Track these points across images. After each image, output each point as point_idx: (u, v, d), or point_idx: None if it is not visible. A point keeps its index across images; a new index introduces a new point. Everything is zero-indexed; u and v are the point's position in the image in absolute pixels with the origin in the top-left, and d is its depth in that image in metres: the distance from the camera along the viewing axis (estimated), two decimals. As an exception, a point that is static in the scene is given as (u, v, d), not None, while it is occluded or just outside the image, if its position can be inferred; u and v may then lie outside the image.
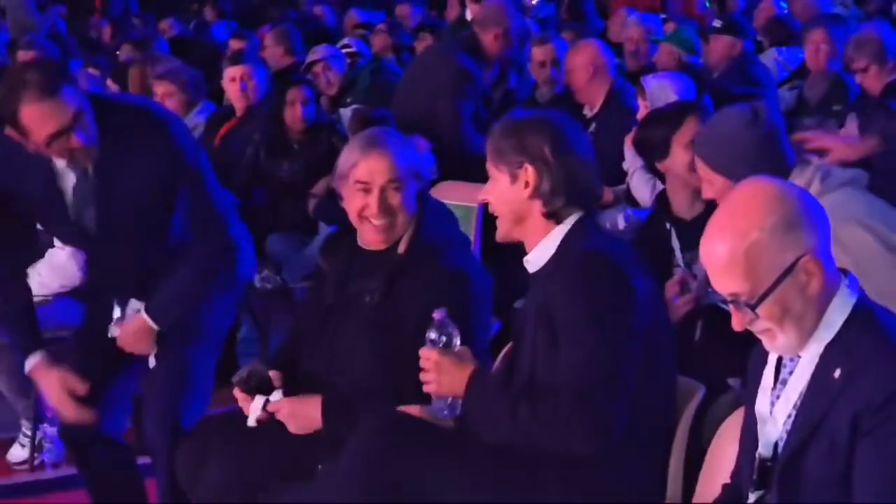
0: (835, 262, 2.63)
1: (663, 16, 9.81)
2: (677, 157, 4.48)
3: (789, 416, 2.66)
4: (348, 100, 7.96)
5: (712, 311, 4.22)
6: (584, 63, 6.74)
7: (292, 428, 3.82)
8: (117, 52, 10.12)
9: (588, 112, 6.76)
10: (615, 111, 6.48)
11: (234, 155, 6.73)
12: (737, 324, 2.62)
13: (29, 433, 5.55)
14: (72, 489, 5.40)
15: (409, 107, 6.84)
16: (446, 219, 4.04)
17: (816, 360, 2.60)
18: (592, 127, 6.62)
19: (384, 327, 3.74)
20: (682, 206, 4.47)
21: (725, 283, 2.59)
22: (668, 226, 4.46)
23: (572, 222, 3.39)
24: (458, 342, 3.41)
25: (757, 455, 2.73)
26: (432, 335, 3.40)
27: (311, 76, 8.00)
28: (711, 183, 3.91)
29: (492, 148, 3.46)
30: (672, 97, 5.67)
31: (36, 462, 5.57)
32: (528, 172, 3.38)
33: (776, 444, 2.69)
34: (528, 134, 3.41)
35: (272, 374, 3.89)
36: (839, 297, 2.59)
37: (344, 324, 3.91)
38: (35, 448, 5.55)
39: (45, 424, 5.57)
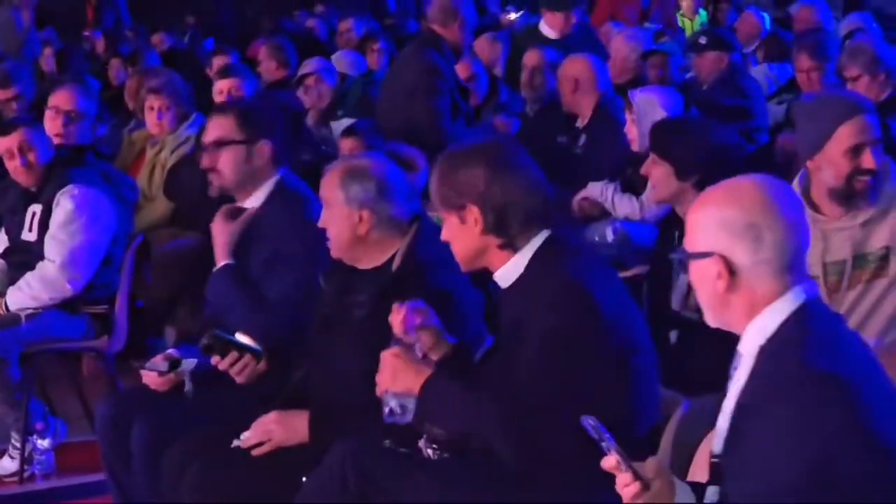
0: (789, 278, 2.73)
1: (654, 27, 9.87)
2: None
3: (731, 411, 2.78)
4: (339, 113, 8.00)
5: (686, 321, 4.32)
6: (575, 74, 6.83)
7: (278, 439, 3.87)
8: (106, 66, 10.17)
9: (580, 123, 6.85)
10: (603, 123, 6.56)
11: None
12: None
13: (19, 445, 5.57)
14: (62, 501, 5.47)
15: (390, 114, 6.91)
16: (439, 240, 4.09)
17: (752, 361, 2.74)
18: (583, 138, 6.73)
19: (372, 340, 3.76)
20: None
21: (687, 233, 2.86)
22: (675, 234, 4.58)
23: (538, 244, 3.39)
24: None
25: (710, 451, 2.85)
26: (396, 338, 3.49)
27: (303, 89, 8.04)
28: None
29: (434, 194, 3.48)
30: (659, 111, 5.75)
31: (26, 474, 5.59)
32: (473, 212, 3.38)
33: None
34: (462, 172, 3.40)
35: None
36: (776, 306, 2.73)
37: (336, 336, 3.99)
38: (25, 460, 5.57)
39: (34, 437, 5.59)
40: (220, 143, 4.60)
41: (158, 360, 4.40)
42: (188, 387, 4.26)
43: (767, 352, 2.72)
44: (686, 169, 4.51)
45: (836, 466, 2.54)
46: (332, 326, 4.03)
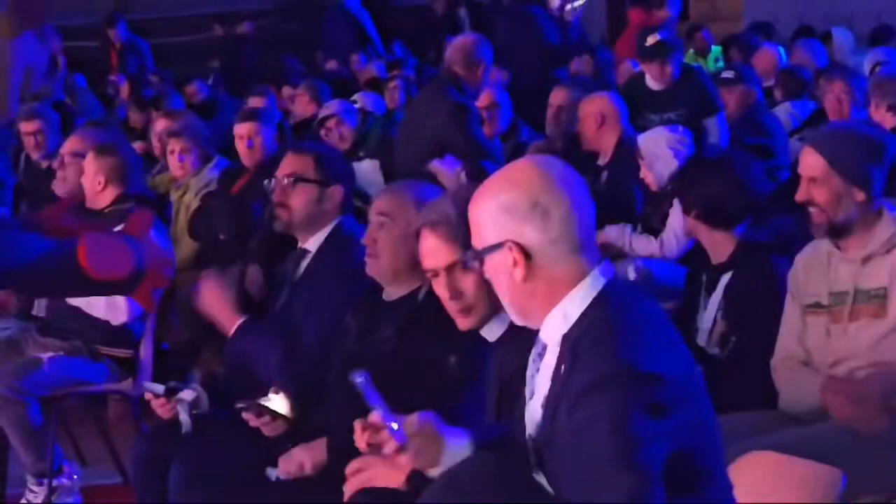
0: (584, 258, 2.78)
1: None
2: None
3: (543, 402, 2.83)
4: (361, 154, 8.08)
5: (711, 357, 4.35)
6: (594, 112, 6.93)
7: (309, 466, 3.96)
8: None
9: (601, 161, 6.95)
10: (624, 160, 6.62)
11: (250, 211, 6.86)
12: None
13: (35, 489, 5.60)
14: None
15: (412, 150, 7.02)
16: None
17: (557, 350, 2.77)
18: (605, 175, 6.82)
19: (399, 375, 3.81)
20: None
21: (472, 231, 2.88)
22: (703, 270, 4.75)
23: None
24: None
25: (528, 436, 2.90)
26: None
27: (325, 131, 8.14)
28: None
29: None
30: (665, 151, 5.86)
31: (51, 512, 5.64)
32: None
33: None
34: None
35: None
36: (579, 290, 2.76)
37: (363, 369, 4.00)
38: (51, 496, 5.60)
39: (63, 478, 5.65)
40: (297, 179, 4.70)
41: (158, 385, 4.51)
42: (184, 418, 4.32)
43: (573, 340, 2.72)
44: (687, 204, 4.77)
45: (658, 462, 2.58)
46: (357, 364, 4.05)
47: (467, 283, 3.43)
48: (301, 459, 3.99)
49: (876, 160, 4.10)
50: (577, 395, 2.64)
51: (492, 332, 3.48)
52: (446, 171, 6.19)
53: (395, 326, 3.99)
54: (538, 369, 2.88)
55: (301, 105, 9.36)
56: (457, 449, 3.01)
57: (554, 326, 2.78)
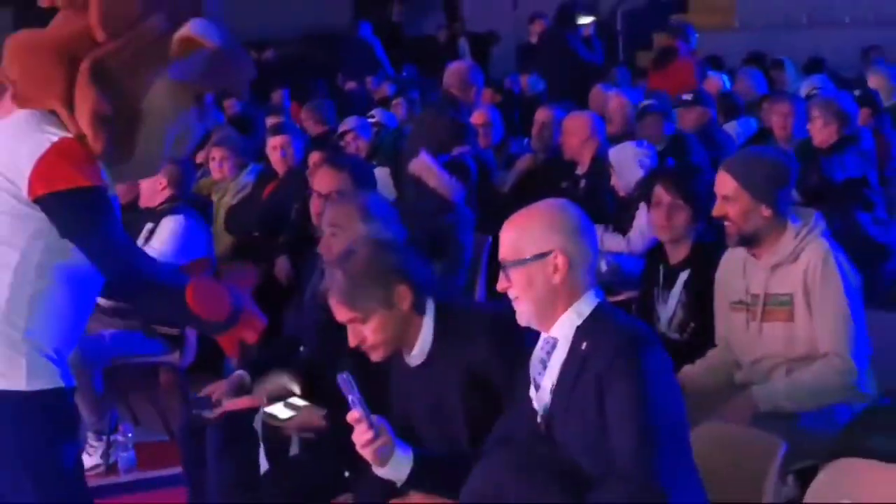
0: (590, 278, 3.26)
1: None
2: None
3: (552, 387, 3.27)
4: (374, 162, 8.58)
5: (672, 342, 4.81)
6: (579, 128, 7.57)
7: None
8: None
9: (580, 170, 7.57)
10: (600, 171, 7.21)
11: (280, 210, 7.43)
12: (499, 284, 3.31)
13: (94, 444, 6.02)
14: (143, 491, 5.89)
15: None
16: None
17: (571, 338, 3.25)
18: (583, 183, 7.42)
19: (366, 377, 3.68)
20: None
21: (505, 249, 3.30)
22: (660, 266, 5.09)
23: (432, 312, 3.61)
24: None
25: (539, 419, 3.29)
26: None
27: (344, 144, 8.84)
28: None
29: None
30: (633, 163, 6.49)
31: (110, 461, 6.03)
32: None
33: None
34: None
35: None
36: (587, 297, 3.27)
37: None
38: (108, 454, 6.03)
39: (118, 434, 6.07)
40: (338, 195, 4.75)
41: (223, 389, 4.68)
42: (294, 448, 4.25)
43: (587, 328, 3.20)
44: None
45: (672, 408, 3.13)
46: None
47: (367, 331, 3.58)
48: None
49: (780, 182, 4.41)
50: (599, 368, 3.10)
51: (413, 360, 3.67)
52: (443, 179, 6.82)
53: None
54: (545, 366, 3.27)
55: (309, 125, 9.82)
56: (403, 457, 3.32)
57: (569, 322, 3.22)
